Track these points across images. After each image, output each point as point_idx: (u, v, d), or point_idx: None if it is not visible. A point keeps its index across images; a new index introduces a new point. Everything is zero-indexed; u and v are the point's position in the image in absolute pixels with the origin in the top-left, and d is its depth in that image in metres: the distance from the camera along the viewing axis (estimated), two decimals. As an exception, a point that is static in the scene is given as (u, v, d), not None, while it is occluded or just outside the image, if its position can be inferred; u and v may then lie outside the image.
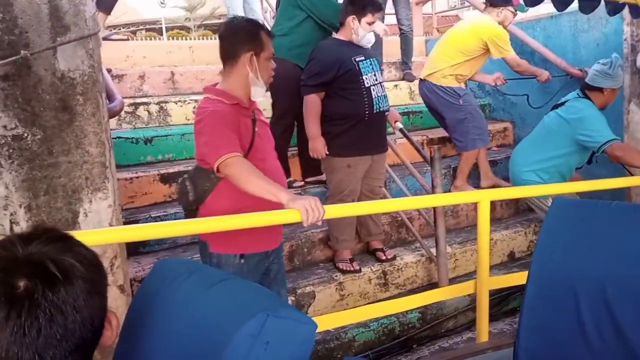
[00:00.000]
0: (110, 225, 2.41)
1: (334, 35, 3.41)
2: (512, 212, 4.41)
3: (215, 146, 2.02)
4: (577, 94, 3.64)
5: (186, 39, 15.85)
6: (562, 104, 3.70)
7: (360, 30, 3.20)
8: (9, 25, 2.11)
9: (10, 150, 2.16)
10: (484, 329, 2.36)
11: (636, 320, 1.56)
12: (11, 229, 2.18)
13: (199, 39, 15.63)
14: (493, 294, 3.47)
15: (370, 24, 3.21)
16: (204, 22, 24.53)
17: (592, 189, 3.35)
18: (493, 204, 4.25)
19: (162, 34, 21.11)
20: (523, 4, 3.21)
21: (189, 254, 3.15)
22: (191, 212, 2.24)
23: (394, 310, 2.66)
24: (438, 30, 8.11)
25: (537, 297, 1.79)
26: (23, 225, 2.21)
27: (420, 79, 4.22)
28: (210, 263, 2.17)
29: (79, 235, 1.90)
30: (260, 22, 2.35)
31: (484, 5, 4.11)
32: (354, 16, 3.18)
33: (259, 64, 2.20)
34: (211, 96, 2.20)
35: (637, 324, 1.55)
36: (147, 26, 23.41)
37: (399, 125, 3.64)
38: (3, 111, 2.12)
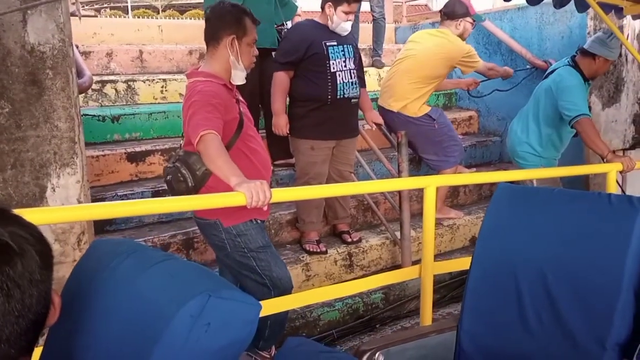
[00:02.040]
0: (79, 201, 2.40)
1: (316, 18, 3.42)
2: (475, 199, 4.54)
3: (197, 123, 2.06)
4: (568, 61, 3.59)
5: (153, 19, 15.50)
6: (553, 71, 3.65)
7: (336, 18, 3.22)
8: (-24, -6, 2.07)
9: (-23, 123, 2.13)
10: (427, 313, 2.42)
11: (573, 305, 1.60)
12: (-23, 202, 2.16)
13: (166, 19, 15.33)
14: (455, 276, 3.61)
15: (346, 13, 3.21)
16: (172, 3, 24.02)
17: (545, 176, 3.50)
18: (457, 190, 4.40)
19: (127, 13, 20.57)
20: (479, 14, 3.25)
21: (155, 233, 3.15)
22: None
23: (342, 294, 2.71)
24: (407, 20, 8.20)
25: (480, 281, 1.81)
26: (-11, 199, 2.19)
27: (386, 109, 3.86)
28: (229, 237, 2.30)
29: (49, 211, 1.92)
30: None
31: (441, 19, 3.93)
32: (330, 3, 3.21)
33: (240, 48, 2.26)
34: (200, 78, 2.24)
35: (574, 308, 1.60)
36: (112, 4, 22.79)
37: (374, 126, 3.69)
38: (-30, 82, 2.09)
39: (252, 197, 1.84)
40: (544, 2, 3.51)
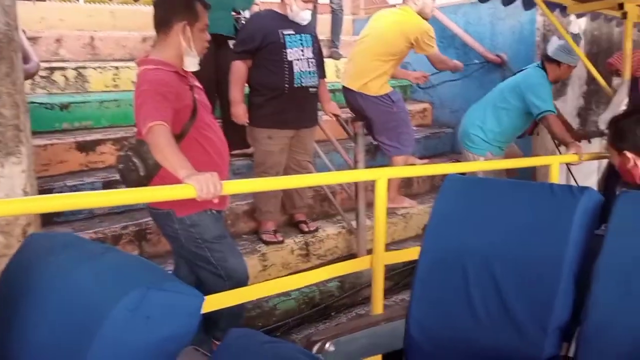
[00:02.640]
0: (24, 191, 2.32)
1: (275, 8, 3.40)
2: (428, 189, 4.61)
3: (146, 114, 2.01)
4: (537, 65, 3.77)
5: (106, 5, 15.05)
6: (520, 71, 3.84)
7: (295, 7, 3.22)
8: None
9: None
10: (378, 302, 2.45)
11: (517, 292, 1.65)
12: None
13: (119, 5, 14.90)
14: (408, 263, 3.66)
15: (305, 2, 3.21)
16: (126, -12, 23.41)
17: (493, 168, 3.62)
18: (410, 180, 4.46)
19: (78, -1, 19.89)
20: None
21: (106, 224, 3.09)
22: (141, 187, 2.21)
23: (292, 286, 2.71)
24: (365, 12, 8.24)
25: (428, 271, 1.84)
26: None
27: (348, 88, 3.91)
28: (183, 227, 2.25)
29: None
30: None
31: None
32: None
33: (193, 34, 2.21)
34: (150, 66, 2.18)
35: (518, 295, 1.65)
36: (63, -11, 22.00)
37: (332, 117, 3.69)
38: None
39: (202, 190, 1.81)
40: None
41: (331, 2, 5.59)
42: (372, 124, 3.89)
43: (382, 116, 3.85)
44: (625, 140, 2.16)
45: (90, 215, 3.17)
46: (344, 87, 3.97)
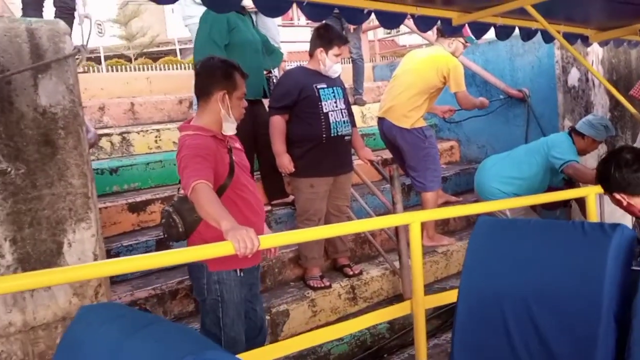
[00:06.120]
0: (94, 254, 2.47)
1: (305, 64, 3.61)
2: (464, 225, 4.68)
3: (188, 176, 2.14)
4: (567, 133, 4.04)
5: (126, 68, 15.64)
6: None
7: (328, 62, 3.42)
8: (-9, 64, 2.18)
9: (-4, 185, 2.20)
10: (422, 348, 2.44)
11: (558, 332, 1.68)
12: (-1, 261, 2.21)
13: (139, 68, 15.48)
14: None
15: (337, 55, 3.42)
16: (144, 51, 24.25)
17: (524, 204, 3.67)
18: (446, 218, 4.53)
19: (100, 63, 20.64)
20: (472, 36, 3.53)
21: (162, 280, 3.21)
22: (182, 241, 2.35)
23: (335, 336, 2.73)
24: (382, 57, 8.51)
25: (467, 315, 1.87)
26: (8, 259, 2.25)
27: (381, 118, 4.15)
28: (209, 282, 2.35)
29: (65, 271, 1.90)
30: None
31: (436, 36, 4.22)
32: (321, 48, 3.41)
33: (231, 102, 2.35)
34: (190, 132, 2.33)
35: (559, 335, 1.67)
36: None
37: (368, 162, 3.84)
38: (-12, 147, 2.18)
39: (240, 246, 1.88)
40: (512, 35, 3.76)
41: (350, 52, 5.81)
42: (404, 156, 4.08)
43: (413, 148, 4.04)
44: (609, 183, 2.20)
45: (146, 272, 3.31)
46: (379, 117, 4.19)
